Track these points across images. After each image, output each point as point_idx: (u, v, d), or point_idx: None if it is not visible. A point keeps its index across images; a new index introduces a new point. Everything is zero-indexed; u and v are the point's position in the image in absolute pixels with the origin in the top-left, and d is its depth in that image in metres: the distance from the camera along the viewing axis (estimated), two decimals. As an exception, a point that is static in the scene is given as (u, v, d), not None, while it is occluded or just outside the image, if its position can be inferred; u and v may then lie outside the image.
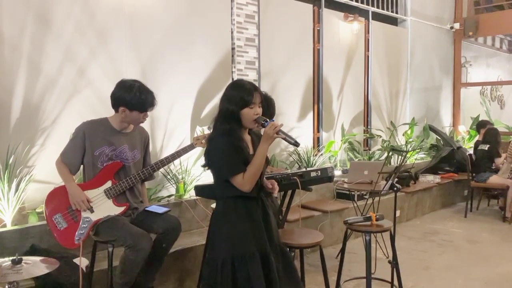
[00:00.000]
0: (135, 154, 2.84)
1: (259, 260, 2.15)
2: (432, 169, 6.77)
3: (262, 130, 2.16)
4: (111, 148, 2.75)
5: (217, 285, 2.13)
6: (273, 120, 2.15)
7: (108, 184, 2.73)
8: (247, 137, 2.28)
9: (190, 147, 2.88)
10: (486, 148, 6.04)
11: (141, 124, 2.91)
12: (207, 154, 2.22)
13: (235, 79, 4.66)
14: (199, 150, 4.26)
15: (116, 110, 2.75)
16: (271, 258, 2.19)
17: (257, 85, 4.77)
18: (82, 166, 2.80)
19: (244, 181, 2.11)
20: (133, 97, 2.66)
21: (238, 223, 2.17)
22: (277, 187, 2.35)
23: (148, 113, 2.79)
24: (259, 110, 2.18)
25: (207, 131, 2.92)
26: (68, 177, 2.73)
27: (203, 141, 2.88)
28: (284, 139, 2.14)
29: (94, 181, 2.74)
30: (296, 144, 2.14)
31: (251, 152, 2.22)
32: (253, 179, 2.13)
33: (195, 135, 2.95)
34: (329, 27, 5.83)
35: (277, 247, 2.28)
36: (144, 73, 3.93)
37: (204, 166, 2.26)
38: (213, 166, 2.22)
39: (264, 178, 2.39)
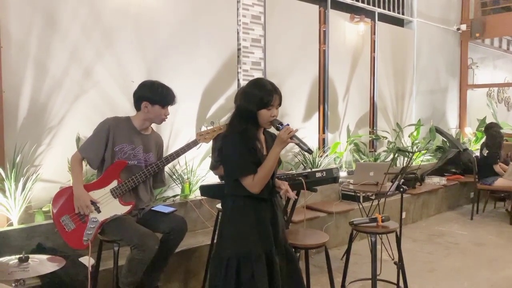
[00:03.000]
0: (149, 156, 2.85)
1: (265, 261, 2.15)
2: (438, 171, 6.73)
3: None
4: (131, 147, 2.78)
5: (221, 283, 2.13)
6: (288, 124, 2.13)
7: (114, 183, 2.74)
8: (261, 137, 2.27)
9: (194, 143, 2.87)
10: (486, 154, 6.03)
11: (152, 125, 2.94)
12: (220, 151, 2.22)
13: (240, 80, 4.68)
14: (204, 151, 4.28)
15: (139, 108, 2.81)
16: (275, 259, 2.19)
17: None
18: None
19: (254, 183, 2.11)
20: (155, 91, 2.76)
21: (245, 222, 2.17)
22: (291, 192, 2.35)
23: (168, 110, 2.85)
24: (276, 112, 2.18)
25: (210, 127, 2.92)
26: (77, 178, 2.73)
27: (207, 136, 2.88)
28: (298, 144, 2.12)
29: (100, 180, 2.75)
30: (309, 151, 2.14)
31: (264, 152, 2.21)
32: (263, 181, 2.13)
33: (198, 131, 2.94)
34: (335, 28, 5.82)
35: (283, 248, 2.28)
36: (149, 73, 3.95)
37: (216, 161, 2.26)
38: (225, 163, 2.21)
39: (276, 179, 2.39)
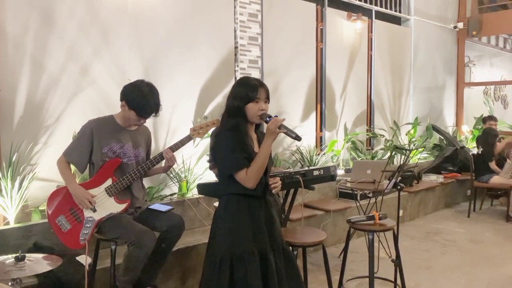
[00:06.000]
0: (139, 152, 2.84)
1: (258, 259, 2.14)
2: (435, 169, 6.75)
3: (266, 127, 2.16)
4: (119, 145, 2.76)
5: (214, 281, 2.13)
6: (276, 116, 2.15)
7: (109, 182, 2.72)
8: (253, 135, 2.27)
9: (188, 138, 2.86)
10: (480, 152, 6.05)
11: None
12: (212, 150, 2.23)
13: (237, 78, 4.67)
14: (201, 149, 4.28)
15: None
16: (270, 258, 2.18)
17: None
18: (88, 164, 2.79)
19: (247, 177, 2.11)
20: (135, 99, 2.67)
21: (239, 220, 2.17)
22: (279, 184, 2.32)
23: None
24: (265, 106, 2.18)
25: (203, 121, 2.91)
26: (69, 178, 2.72)
27: (200, 131, 2.87)
28: (286, 133, 2.13)
29: (94, 179, 2.73)
30: (297, 138, 2.13)
31: (256, 149, 2.21)
32: (257, 176, 2.13)
33: (192, 126, 2.92)
34: (332, 26, 5.82)
35: (279, 247, 2.28)
36: (147, 72, 3.94)
37: (209, 161, 2.26)
38: (218, 161, 2.22)
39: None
